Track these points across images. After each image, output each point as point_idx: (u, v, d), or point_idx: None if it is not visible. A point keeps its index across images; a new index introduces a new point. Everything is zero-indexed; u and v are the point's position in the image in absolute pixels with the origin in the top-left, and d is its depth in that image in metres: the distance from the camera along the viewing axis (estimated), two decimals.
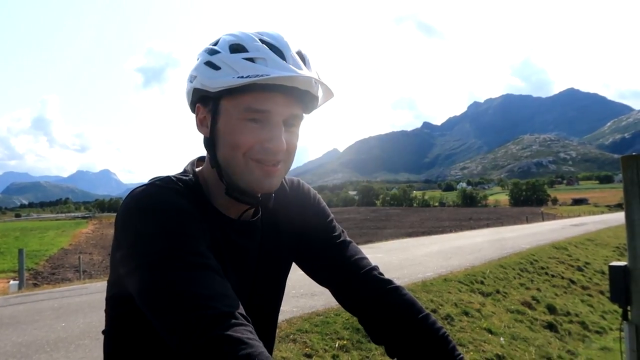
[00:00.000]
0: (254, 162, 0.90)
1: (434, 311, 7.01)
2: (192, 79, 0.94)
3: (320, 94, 0.94)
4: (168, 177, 0.96)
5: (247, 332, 0.73)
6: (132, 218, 0.86)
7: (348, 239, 1.15)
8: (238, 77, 0.86)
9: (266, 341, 1.07)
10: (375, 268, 1.11)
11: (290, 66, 0.87)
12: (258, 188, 0.93)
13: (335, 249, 1.11)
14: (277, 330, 5.55)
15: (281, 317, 5.85)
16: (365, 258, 1.12)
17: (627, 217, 2.87)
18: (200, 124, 0.96)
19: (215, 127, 0.92)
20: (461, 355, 0.99)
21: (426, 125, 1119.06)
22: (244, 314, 0.77)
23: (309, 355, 4.99)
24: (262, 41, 0.90)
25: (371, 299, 1.06)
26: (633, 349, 2.61)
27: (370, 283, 1.08)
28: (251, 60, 0.87)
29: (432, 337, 1.01)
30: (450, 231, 27.52)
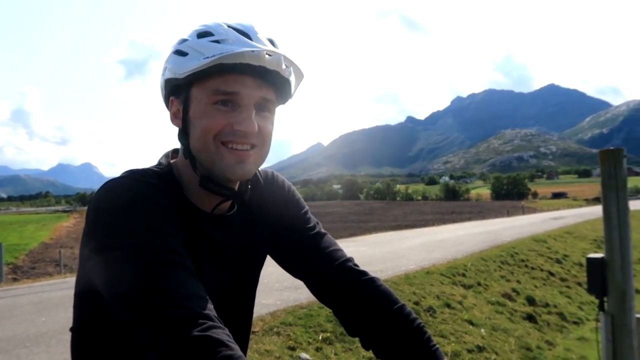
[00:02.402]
0: (225, 147, 0.89)
1: (417, 303, 7.08)
2: (163, 71, 0.94)
3: (292, 78, 0.93)
4: (142, 169, 0.95)
5: (224, 335, 0.72)
6: (104, 211, 0.84)
7: (323, 230, 1.14)
8: (204, 58, 0.86)
9: (241, 336, 1.07)
10: (350, 259, 1.10)
11: (254, 44, 0.88)
12: (231, 175, 0.91)
13: (309, 240, 1.10)
14: (261, 324, 5.56)
15: (265, 310, 5.87)
16: (340, 250, 1.12)
17: (605, 210, 2.92)
18: (174, 117, 0.95)
19: (186, 116, 0.92)
20: (436, 346, 1.00)
21: (410, 119, 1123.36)
22: (217, 317, 0.76)
23: (292, 348, 5.01)
24: (230, 27, 0.90)
25: (346, 291, 1.06)
26: (609, 338, 2.68)
27: (345, 274, 1.07)
28: (217, 42, 0.87)
29: (407, 328, 1.01)
30: (433, 224, 27.73)
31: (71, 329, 0.98)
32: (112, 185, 0.87)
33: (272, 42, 0.92)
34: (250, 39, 0.88)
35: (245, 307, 1.10)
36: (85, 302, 0.93)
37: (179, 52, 0.90)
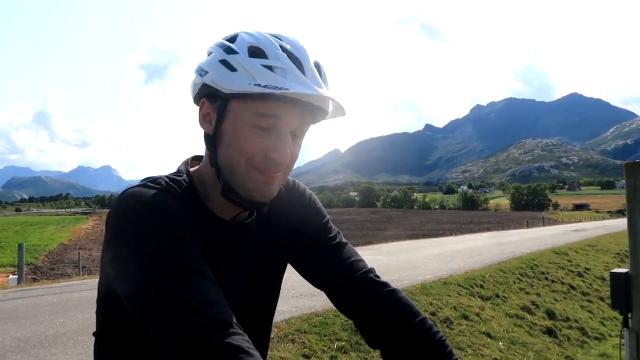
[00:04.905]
0: (255, 170, 0.89)
1: (433, 314, 6.99)
2: (202, 72, 0.91)
3: (330, 108, 0.93)
4: (160, 177, 0.94)
5: (244, 341, 0.73)
6: (124, 219, 0.84)
7: (344, 240, 1.13)
8: (255, 85, 0.83)
9: (260, 344, 1.07)
10: (371, 270, 1.09)
11: (309, 81, 0.86)
12: (257, 196, 0.91)
13: (330, 250, 1.09)
14: (276, 330, 5.55)
15: (280, 317, 5.85)
16: (362, 260, 1.10)
17: (630, 223, 2.85)
18: (203, 119, 0.93)
19: (220, 126, 0.90)
20: None
21: (428, 127, 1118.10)
22: (237, 323, 0.76)
23: (307, 356, 4.98)
24: (282, 48, 0.87)
25: (367, 302, 1.04)
26: (633, 356, 2.60)
27: (366, 285, 1.06)
28: (270, 68, 0.85)
29: (428, 341, 0.99)
30: (451, 234, 27.48)
31: (94, 334, 0.99)
32: (131, 193, 0.87)
33: (319, 69, 0.90)
34: (303, 70, 0.86)
35: (264, 315, 1.09)
36: (108, 307, 0.94)
37: (227, 65, 0.87)
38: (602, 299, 11.26)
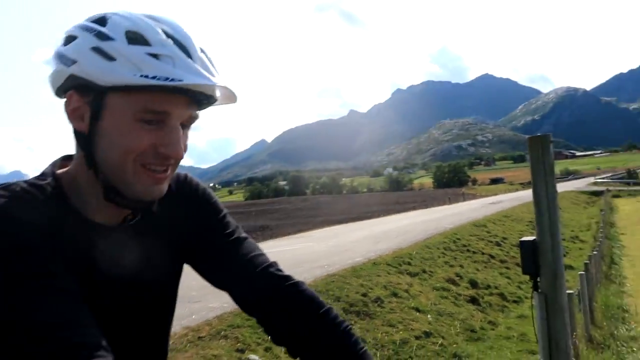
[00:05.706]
0: (144, 168, 0.81)
1: (365, 295, 7.16)
2: (67, 61, 0.79)
3: (218, 94, 0.86)
4: (16, 183, 0.82)
5: None
6: None
7: (243, 235, 1.07)
8: (141, 76, 0.75)
9: (156, 356, 1.00)
10: (272, 264, 1.04)
11: (200, 69, 0.79)
12: (146, 197, 0.84)
13: (228, 247, 1.03)
14: (208, 328, 5.41)
15: (212, 313, 5.74)
16: (263, 254, 1.05)
17: (535, 194, 3.03)
18: (74, 116, 0.82)
19: (96, 123, 0.80)
20: (364, 349, 0.97)
21: (352, 113, 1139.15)
22: (103, 344, 0.69)
23: (241, 350, 4.93)
24: (165, 33, 0.79)
25: (269, 298, 0.99)
26: (543, 317, 2.79)
27: (268, 280, 1.00)
28: (155, 56, 0.76)
29: (333, 332, 0.97)
30: (379, 216, 28.20)
31: None
32: None
33: (204, 53, 0.83)
34: (191, 57, 0.79)
35: (159, 325, 1.01)
36: None
37: (102, 53, 0.77)
38: (518, 264, 12.07)
